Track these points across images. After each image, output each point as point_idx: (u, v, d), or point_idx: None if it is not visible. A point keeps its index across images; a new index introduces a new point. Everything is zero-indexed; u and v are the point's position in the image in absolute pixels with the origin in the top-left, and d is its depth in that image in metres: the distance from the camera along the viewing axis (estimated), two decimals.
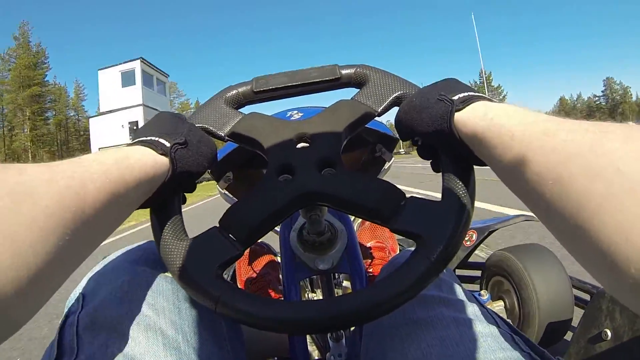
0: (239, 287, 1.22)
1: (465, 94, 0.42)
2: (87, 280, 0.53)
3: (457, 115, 0.41)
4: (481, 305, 0.57)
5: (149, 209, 0.48)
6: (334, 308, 0.40)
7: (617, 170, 0.24)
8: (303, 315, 0.40)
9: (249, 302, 0.41)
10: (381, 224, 0.45)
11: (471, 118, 0.39)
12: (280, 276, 1.19)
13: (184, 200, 0.52)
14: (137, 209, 0.44)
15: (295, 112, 0.89)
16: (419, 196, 0.45)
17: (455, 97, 0.42)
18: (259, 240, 1.34)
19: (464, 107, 0.41)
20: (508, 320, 0.53)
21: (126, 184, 0.37)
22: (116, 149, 0.40)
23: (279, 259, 1.28)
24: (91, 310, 0.46)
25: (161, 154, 0.44)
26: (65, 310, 0.50)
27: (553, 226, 0.30)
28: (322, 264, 0.68)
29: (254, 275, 1.22)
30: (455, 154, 0.44)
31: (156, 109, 24.30)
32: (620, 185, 0.23)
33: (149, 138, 0.45)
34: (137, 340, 0.45)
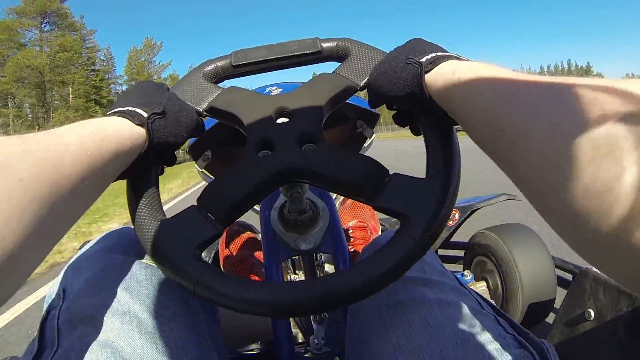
0: (223, 270, 1.20)
1: (433, 54, 0.41)
2: (65, 272, 0.53)
3: (427, 77, 0.40)
4: (464, 287, 0.57)
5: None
6: (315, 290, 0.39)
7: (574, 121, 0.24)
8: (283, 298, 0.39)
9: (227, 284, 0.40)
10: (364, 201, 0.44)
11: (439, 79, 0.39)
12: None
13: (162, 172, 0.51)
14: (114, 181, 0.43)
15: (275, 87, 0.87)
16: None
17: (423, 59, 0.41)
18: (240, 221, 1.32)
19: (433, 68, 0.40)
20: (492, 301, 0.52)
21: (102, 156, 0.36)
22: (92, 120, 0.39)
23: (258, 236, 1.25)
24: (69, 302, 0.46)
25: (137, 125, 0.42)
26: (46, 305, 0.50)
27: (519, 181, 0.30)
28: (304, 243, 0.67)
29: (236, 257, 1.19)
30: (432, 117, 0.43)
31: None
32: (577, 135, 0.23)
33: (125, 108, 0.44)
34: (111, 326, 0.44)
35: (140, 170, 0.46)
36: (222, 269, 1.23)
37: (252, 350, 1.03)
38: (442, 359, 0.44)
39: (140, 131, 0.43)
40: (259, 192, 0.45)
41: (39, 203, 0.27)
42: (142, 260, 0.53)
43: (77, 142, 0.34)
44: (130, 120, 0.42)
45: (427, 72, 0.40)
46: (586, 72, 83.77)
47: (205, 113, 0.53)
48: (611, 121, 0.22)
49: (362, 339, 0.53)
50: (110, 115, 0.43)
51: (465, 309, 0.50)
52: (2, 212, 0.24)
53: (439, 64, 0.40)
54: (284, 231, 0.68)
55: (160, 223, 0.44)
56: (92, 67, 43.23)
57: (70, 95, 38.54)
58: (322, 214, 0.69)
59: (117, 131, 0.39)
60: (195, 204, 0.46)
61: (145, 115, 0.43)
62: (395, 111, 0.50)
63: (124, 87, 52.27)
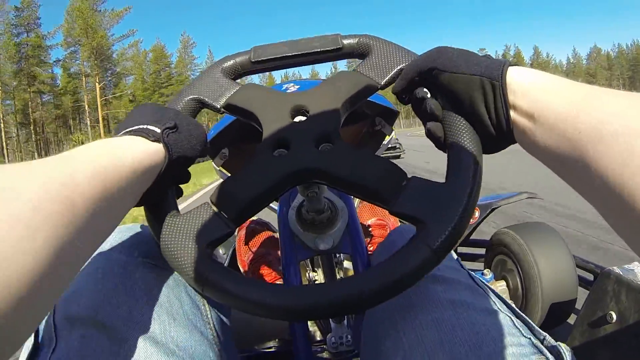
0: (241, 268, 1.21)
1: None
2: None
3: (511, 69, 0.39)
4: (480, 286, 0.55)
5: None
6: (326, 295, 0.38)
7: None
8: (290, 302, 0.39)
9: (238, 284, 0.40)
10: (380, 205, 0.43)
11: (523, 72, 0.38)
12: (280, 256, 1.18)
13: (180, 194, 0.50)
14: (136, 205, 0.42)
15: (292, 85, 0.87)
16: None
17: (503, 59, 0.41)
18: (256, 218, 1.32)
19: (516, 64, 0.39)
20: (510, 302, 0.50)
21: (119, 173, 0.35)
22: (101, 141, 0.38)
23: (277, 236, 1.27)
24: (65, 299, 0.45)
25: (153, 141, 0.41)
26: None
27: (587, 187, 0.30)
28: (322, 243, 0.66)
29: (255, 255, 1.21)
30: (474, 117, 0.41)
31: None
32: None
33: (136, 127, 0.42)
34: (114, 330, 0.43)
35: (157, 195, 0.45)
36: (240, 266, 1.24)
37: (265, 348, 1.04)
38: None
39: (157, 147, 0.41)
40: (272, 192, 0.45)
41: (53, 224, 0.26)
42: (146, 260, 0.51)
43: (89, 160, 0.33)
44: (145, 137, 0.41)
45: (511, 64, 0.39)
46: (535, 56, 76.06)
47: (222, 109, 0.52)
48: None
49: (375, 341, 0.53)
50: (121, 136, 0.42)
51: (480, 310, 0.48)
52: (12, 235, 0.23)
53: (523, 67, 0.39)
54: (302, 231, 0.67)
55: (173, 219, 0.44)
56: None
57: None
58: (340, 213, 0.68)
59: (131, 148, 0.38)
60: (209, 201, 0.45)
61: (158, 130, 0.42)
62: (408, 103, 0.49)
63: (62, 52, 39.82)
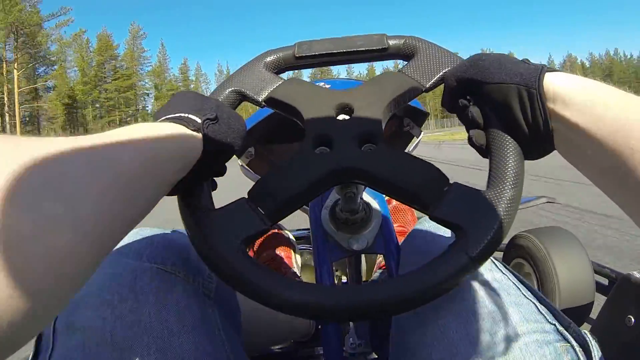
0: None
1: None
2: None
3: (549, 74, 0.38)
4: (503, 271, 0.54)
5: None
6: (352, 298, 0.38)
7: None
8: (319, 300, 0.38)
9: (273, 283, 0.39)
10: (419, 209, 0.43)
11: (563, 78, 0.37)
12: (292, 256, 1.18)
13: (215, 187, 0.49)
14: (168, 194, 0.41)
15: (323, 83, 0.86)
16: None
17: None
18: None
19: (554, 71, 0.38)
20: (533, 287, 0.50)
21: (159, 156, 0.35)
22: (145, 124, 0.37)
23: (286, 233, 1.26)
24: (71, 306, 0.44)
25: (193, 130, 0.40)
26: None
27: (634, 202, 0.30)
28: (356, 244, 0.64)
29: (261, 253, 1.20)
30: (512, 125, 0.41)
31: None
32: None
33: (177, 115, 0.42)
34: (119, 339, 0.43)
35: (192, 185, 0.44)
36: None
37: (276, 350, 1.04)
38: (475, 353, 0.43)
39: (196, 137, 0.41)
40: (312, 190, 0.44)
41: (94, 199, 0.26)
42: (154, 265, 0.50)
43: (132, 141, 0.33)
44: (185, 126, 0.40)
45: (548, 71, 0.38)
46: None
47: (263, 103, 0.51)
48: None
49: (402, 340, 0.54)
50: (162, 121, 0.41)
51: (503, 297, 0.48)
52: (51, 208, 0.22)
53: (561, 71, 0.38)
54: (336, 231, 0.65)
55: (209, 213, 0.43)
56: None
57: None
58: (374, 214, 0.67)
59: (172, 135, 0.38)
60: (246, 196, 0.45)
61: (199, 120, 0.41)
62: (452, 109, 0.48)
63: None
